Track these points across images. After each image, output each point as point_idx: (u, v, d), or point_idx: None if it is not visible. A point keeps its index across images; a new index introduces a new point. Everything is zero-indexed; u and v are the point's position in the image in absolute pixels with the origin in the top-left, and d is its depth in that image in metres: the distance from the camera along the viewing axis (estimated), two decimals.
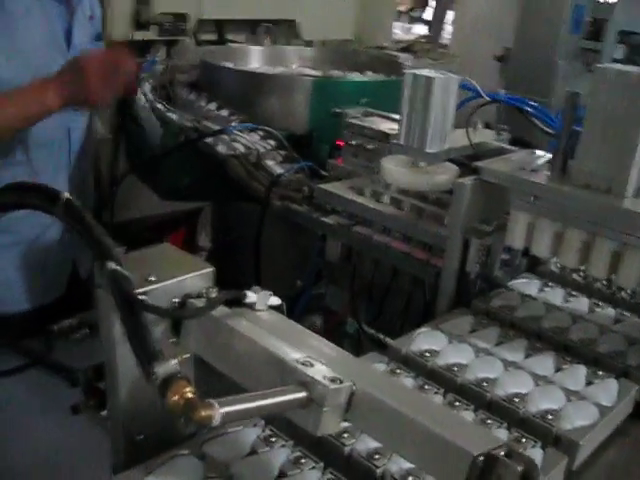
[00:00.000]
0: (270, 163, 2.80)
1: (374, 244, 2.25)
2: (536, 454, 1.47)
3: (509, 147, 2.41)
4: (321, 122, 3.03)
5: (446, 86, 2.10)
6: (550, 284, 2.19)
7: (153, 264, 1.38)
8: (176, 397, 1.02)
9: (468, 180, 1.90)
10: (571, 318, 2.00)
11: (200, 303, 1.32)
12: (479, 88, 2.18)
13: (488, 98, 2.18)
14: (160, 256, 1.45)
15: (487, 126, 2.53)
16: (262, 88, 3.12)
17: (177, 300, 1.33)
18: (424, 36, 9.91)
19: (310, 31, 6.93)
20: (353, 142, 2.63)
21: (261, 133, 2.92)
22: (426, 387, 1.65)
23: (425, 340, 1.82)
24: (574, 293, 2.16)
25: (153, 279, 1.31)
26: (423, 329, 1.87)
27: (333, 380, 1.14)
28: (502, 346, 1.84)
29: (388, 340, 1.81)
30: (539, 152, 2.10)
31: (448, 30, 10.06)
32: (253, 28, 6.53)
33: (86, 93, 2.24)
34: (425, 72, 2.11)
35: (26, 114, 2.21)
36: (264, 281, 2.78)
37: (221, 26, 6.13)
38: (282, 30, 6.93)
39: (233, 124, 3.01)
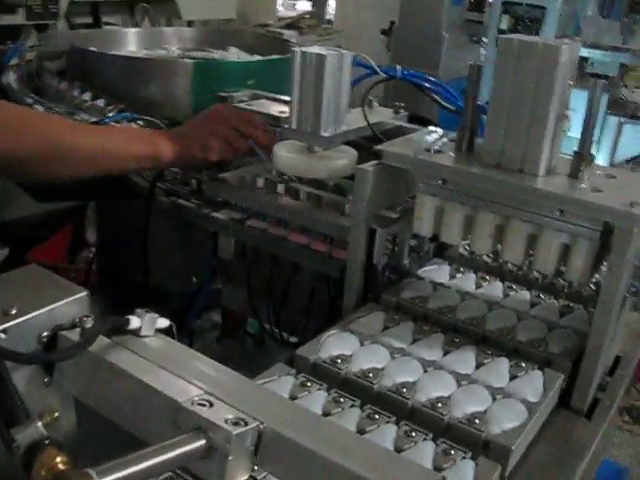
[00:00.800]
0: None
1: (270, 238, 2.07)
2: (468, 467, 1.34)
3: (408, 126, 2.27)
4: (206, 107, 2.81)
5: (339, 63, 1.94)
6: (461, 269, 2.07)
7: (16, 292, 1.17)
8: (43, 472, 0.82)
9: (370, 165, 1.74)
10: (486, 305, 1.88)
11: (74, 336, 1.12)
12: (374, 64, 2.02)
13: (384, 75, 2.03)
14: (25, 281, 1.24)
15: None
16: (139, 74, 2.88)
17: (47, 334, 1.12)
18: (308, 12, 9.75)
19: (191, 11, 6.65)
20: None
21: (141, 123, 2.68)
22: (341, 400, 1.49)
23: (335, 344, 1.67)
24: (486, 277, 2.04)
25: (15, 312, 1.10)
26: (331, 331, 1.71)
27: (236, 422, 0.96)
28: (418, 344, 1.70)
29: (297, 352, 1.64)
30: (440, 130, 1.96)
31: (332, 5, 9.93)
32: (131, 10, 6.21)
33: (208, 151, 2.09)
34: (315, 49, 1.93)
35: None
36: (158, 278, 2.58)
37: (96, 8, 5.78)
38: (162, 11, 6.63)
39: (110, 115, 2.76)
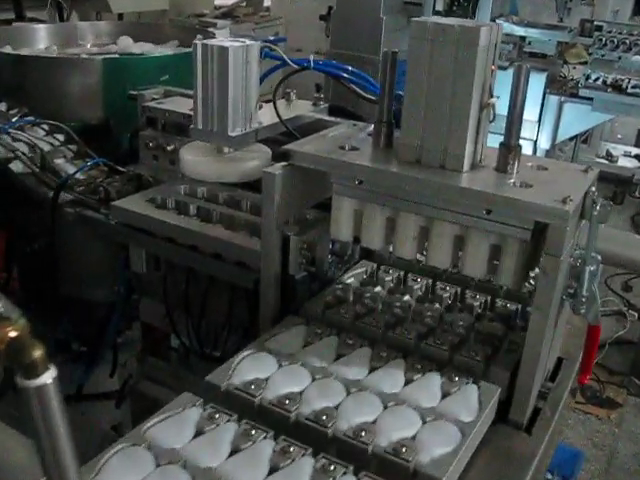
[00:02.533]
0: (59, 162, 2.38)
1: (180, 250, 1.90)
2: None
3: (329, 119, 2.11)
4: (118, 108, 2.63)
5: (244, 55, 1.77)
6: (390, 270, 1.92)
7: None
8: None
9: (277, 168, 1.58)
10: (416, 311, 1.73)
11: None
12: (284, 55, 1.86)
13: (295, 65, 1.86)
14: None
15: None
16: (44, 74, 2.67)
17: None
18: (245, 0, 9.51)
19: (120, 3, 6.37)
20: (147, 132, 2.25)
21: (46, 127, 2.48)
22: (253, 432, 1.33)
23: (250, 367, 1.51)
24: (416, 277, 1.90)
25: None
26: (246, 352, 1.55)
27: None
28: (342, 361, 1.55)
29: (206, 378, 1.47)
30: (361, 124, 1.81)
31: None
32: (59, 4, 5.92)
33: None
34: (217, 41, 1.76)
35: None
36: (83, 287, 2.40)
37: (18, 3, 5.48)
38: (91, 4, 6.35)
39: (14, 120, 2.55)
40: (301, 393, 1.44)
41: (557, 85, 4.63)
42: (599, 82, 4.45)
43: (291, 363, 1.53)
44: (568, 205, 1.35)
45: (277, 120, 1.89)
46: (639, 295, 4.74)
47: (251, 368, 1.51)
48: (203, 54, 1.75)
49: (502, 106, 1.52)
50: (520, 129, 1.49)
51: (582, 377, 1.61)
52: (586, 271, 1.47)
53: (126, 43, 3.12)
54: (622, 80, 4.32)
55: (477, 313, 1.78)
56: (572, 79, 4.71)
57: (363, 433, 1.33)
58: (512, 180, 1.47)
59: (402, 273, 1.91)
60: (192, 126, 1.85)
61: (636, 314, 4.43)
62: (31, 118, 2.52)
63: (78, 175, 2.30)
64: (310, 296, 1.77)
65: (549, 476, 3.03)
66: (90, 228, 2.14)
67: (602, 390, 4.11)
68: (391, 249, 1.62)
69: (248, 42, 1.76)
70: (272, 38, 2.36)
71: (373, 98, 1.86)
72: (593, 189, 1.46)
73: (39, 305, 2.56)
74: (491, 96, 1.51)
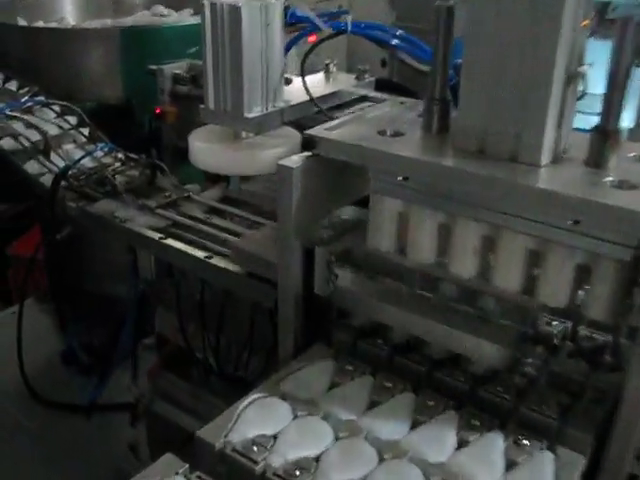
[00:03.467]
0: (68, 147, 2.06)
1: (190, 257, 1.56)
2: None
3: (375, 95, 1.74)
4: (140, 86, 2.29)
5: (263, 16, 1.41)
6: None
7: None
8: None
9: (296, 160, 1.22)
10: (476, 342, 1.35)
11: None
12: (314, 17, 1.48)
13: (328, 28, 1.49)
14: None
15: None
16: (57, 48, 2.35)
17: None
18: None
19: None
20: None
21: (57, 109, 2.16)
22: None
23: (256, 418, 1.17)
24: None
25: None
26: (254, 395, 1.21)
27: None
28: (376, 412, 1.19)
29: (197, 433, 1.14)
30: (410, 102, 1.43)
31: None
32: None
33: None
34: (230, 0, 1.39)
35: None
36: (103, 282, 2.19)
37: None
38: None
39: (25, 99, 2.24)
40: (318, 459, 1.08)
41: None
42: None
43: (310, 413, 1.17)
44: None
45: (306, 97, 1.51)
46: None
47: (257, 420, 1.16)
48: (212, 16, 1.40)
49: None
50: (621, 107, 1.09)
51: None
52: None
53: (158, 11, 2.79)
54: None
55: (552, 344, 1.38)
56: None
57: None
58: (609, 178, 1.08)
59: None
60: (202, 106, 1.50)
61: None
62: (41, 98, 2.21)
63: (88, 163, 1.98)
64: (344, 319, 1.40)
65: None
66: (95, 229, 1.81)
67: None
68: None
69: (268, 1, 1.39)
70: (335, 11, 1.99)
71: (424, 68, 1.47)
72: None
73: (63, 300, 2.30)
74: (581, 64, 1.12)
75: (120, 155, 2.02)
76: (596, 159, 1.11)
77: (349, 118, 1.33)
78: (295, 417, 1.17)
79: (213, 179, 1.86)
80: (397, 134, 1.24)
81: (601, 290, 1.10)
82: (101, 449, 2.38)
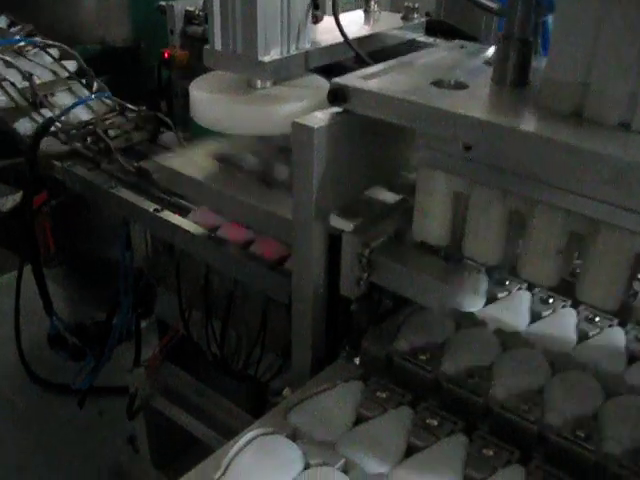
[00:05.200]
0: (63, 97, 1.76)
1: (192, 234, 1.25)
2: None
3: (426, 40, 1.41)
4: (151, 25, 1.98)
5: None
6: (508, 280, 1.21)
7: None
8: None
9: (320, 118, 0.89)
10: (547, 364, 1.04)
11: None
12: None
13: None
14: None
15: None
16: None
17: None
18: None
19: None
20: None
21: (53, 53, 1.86)
22: None
23: (252, 468, 0.87)
24: (550, 297, 1.19)
25: None
26: (254, 432, 0.90)
27: None
28: (415, 461, 0.88)
29: None
30: (473, 46, 1.10)
31: None
32: None
33: None
34: None
35: None
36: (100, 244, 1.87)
37: None
38: None
39: (17, 38, 1.94)
40: None
41: None
42: None
43: (325, 462, 0.86)
44: None
45: (340, 39, 1.18)
46: None
47: (255, 470, 0.86)
48: None
49: None
50: None
51: None
52: None
53: None
54: None
55: None
56: None
57: None
58: None
59: (524, 287, 1.20)
60: (206, 46, 1.18)
61: None
62: (37, 39, 1.90)
63: (83, 115, 1.68)
64: (378, 323, 1.09)
65: None
66: (82, 194, 1.52)
67: None
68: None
69: None
70: None
71: (494, 7, 1.11)
72: None
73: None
74: None
75: (119, 106, 1.71)
76: None
77: (393, 64, 1.00)
78: (306, 467, 0.87)
79: None
80: (458, 86, 0.91)
81: None
82: (97, 438, 2.13)
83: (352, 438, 0.91)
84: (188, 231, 1.26)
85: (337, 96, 0.91)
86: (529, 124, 0.83)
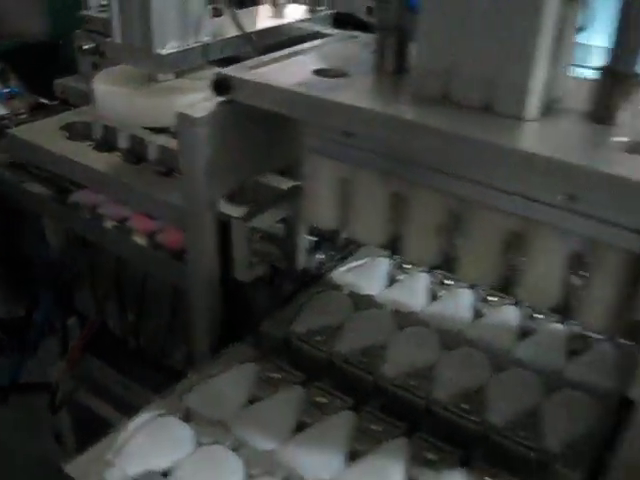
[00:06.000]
0: None
1: (101, 226, 1.27)
2: None
3: (331, 32, 1.44)
4: (70, 21, 1.97)
5: None
6: (407, 266, 1.25)
7: None
8: None
9: (204, 107, 0.92)
10: (440, 342, 1.08)
11: None
12: None
13: None
14: None
15: None
16: None
17: None
18: None
19: None
20: (88, 45, 1.60)
21: None
22: None
23: (145, 449, 0.89)
24: (448, 279, 1.23)
25: None
26: (147, 414, 0.93)
27: None
28: (303, 440, 0.91)
29: (67, 468, 0.86)
30: (365, 36, 1.14)
31: None
32: None
33: None
34: None
35: None
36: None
37: None
38: None
39: None
40: None
41: None
42: None
43: (217, 441, 0.89)
44: None
45: (238, 31, 1.21)
46: None
47: (148, 450, 0.89)
48: None
49: None
50: (637, 41, 0.80)
51: None
52: None
53: None
54: None
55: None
56: None
57: None
58: (619, 138, 0.78)
59: (426, 269, 1.25)
60: (108, 39, 1.19)
61: None
62: None
63: None
64: (277, 307, 1.12)
65: None
66: None
67: None
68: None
69: None
70: None
71: None
72: None
73: None
74: None
75: (33, 102, 1.71)
76: (601, 112, 0.82)
77: (282, 54, 1.03)
78: (199, 445, 0.89)
79: None
80: (339, 75, 0.94)
81: (601, 289, 0.82)
82: (24, 435, 2.12)
83: (243, 418, 0.94)
84: (98, 223, 1.27)
85: (220, 86, 0.94)
86: (402, 110, 0.87)
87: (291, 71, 0.96)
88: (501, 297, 1.19)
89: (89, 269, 1.48)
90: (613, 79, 0.80)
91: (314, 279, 1.21)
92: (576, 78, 0.91)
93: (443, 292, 1.21)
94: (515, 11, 0.78)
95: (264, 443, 0.90)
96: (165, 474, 0.86)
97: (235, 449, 0.89)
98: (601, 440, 0.91)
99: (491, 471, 0.88)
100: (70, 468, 0.87)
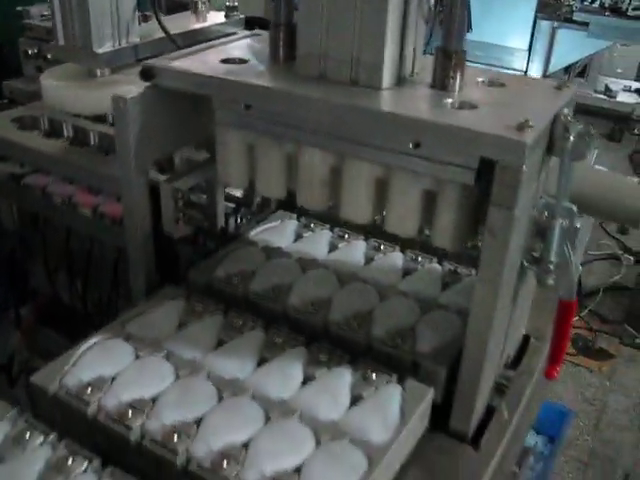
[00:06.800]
0: None
1: (52, 202, 1.48)
2: None
3: (244, 33, 1.67)
4: (11, 28, 2.16)
5: None
6: (312, 225, 1.50)
7: None
8: None
9: (132, 90, 1.15)
10: (337, 280, 1.32)
11: None
12: None
13: None
14: None
15: None
16: None
17: None
18: None
19: None
20: (32, 50, 1.81)
21: None
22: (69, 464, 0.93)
23: (95, 361, 1.11)
24: (346, 234, 1.48)
25: None
26: (96, 338, 1.15)
27: None
28: (221, 351, 1.15)
29: (31, 379, 1.07)
30: (266, 34, 1.37)
31: None
32: None
33: None
34: None
35: None
36: None
37: None
38: None
39: None
40: (154, 400, 1.03)
41: (549, 9, 4.09)
42: (596, 4, 3.94)
43: (152, 354, 1.12)
44: (526, 133, 0.92)
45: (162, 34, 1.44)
46: (636, 238, 4.32)
47: (96, 362, 1.11)
48: None
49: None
50: (464, 26, 1.05)
51: (550, 369, 1.19)
52: (555, 228, 1.04)
53: None
54: (622, 2, 3.82)
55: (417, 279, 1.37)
56: (566, 2, 4.17)
57: (225, 463, 0.93)
58: (450, 100, 1.04)
59: (327, 227, 1.50)
60: (51, 42, 1.41)
61: (632, 258, 4.04)
62: None
63: None
64: (202, 259, 1.35)
65: (531, 441, 2.68)
66: None
67: (594, 340, 3.74)
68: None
69: None
70: None
71: None
72: (566, 111, 1.03)
73: None
74: None
75: None
76: (440, 80, 1.08)
77: (195, 49, 1.27)
78: (138, 357, 1.12)
79: None
80: (241, 62, 1.18)
81: (446, 217, 1.07)
82: None
83: (174, 337, 1.17)
84: (48, 200, 1.49)
85: (147, 74, 1.17)
86: (287, 85, 1.10)
87: (203, 60, 1.19)
88: (390, 246, 1.44)
89: (41, 245, 1.69)
90: (445, 55, 1.06)
91: (233, 238, 1.44)
92: (428, 58, 1.16)
93: (342, 244, 1.46)
94: (369, 6, 1.03)
95: (191, 354, 1.13)
96: (112, 379, 1.08)
97: (167, 358, 1.12)
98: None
99: (373, 364, 1.12)
100: (35, 378, 1.08)
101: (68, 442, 0.97)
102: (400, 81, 1.09)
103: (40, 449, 0.97)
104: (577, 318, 3.76)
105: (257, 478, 0.91)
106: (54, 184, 1.53)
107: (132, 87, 1.35)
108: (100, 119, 1.60)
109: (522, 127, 0.93)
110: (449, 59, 1.06)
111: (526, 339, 1.39)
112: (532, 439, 2.83)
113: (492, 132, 0.94)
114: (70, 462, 0.94)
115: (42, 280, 1.79)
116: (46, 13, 1.97)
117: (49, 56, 1.74)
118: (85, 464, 0.95)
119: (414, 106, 1.04)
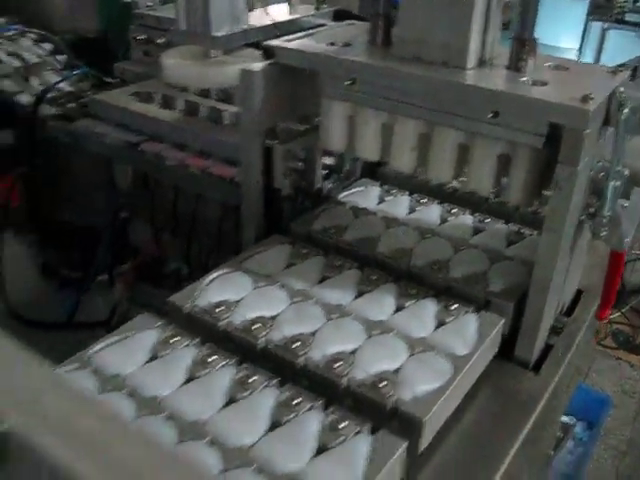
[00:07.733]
0: (47, 74, 2.20)
1: (165, 164, 1.72)
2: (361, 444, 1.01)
3: (333, 24, 1.89)
4: (116, 18, 2.43)
5: None
6: (393, 191, 1.73)
7: None
8: None
9: (258, 65, 1.38)
10: (417, 235, 1.54)
11: None
12: None
13: None
14: None
15: None
16: None
17: None
18: None
19: None
20: (141, 37, 2.06)
21: (33, 37, 2.30)
22: (211, 359, 1.16)
23: (220, 288, 1.34)
24: (423, 199, 1.70)
25: None
26: (219, 272, 1.38)
27: None
28: (326, 284, 1.37)
29: (170, 298, 1.31)
30: (361, 24, 1.60)
31: None
32: None
33: None
34: None
35: None
36: (77, 212, 2.23)
37: None
38: None
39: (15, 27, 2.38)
40: (274, 318, 1.26)
41: (601, 10, 4.27)
42: None
43: (268, 284, 1.35)
44: (588, 104, 1.14)
45: (267, 22, 1.68)
46: None
47: (222, 289, 1.34)
48: None
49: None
50: (535, 18, 1.27)
51: (602, 312, 1.41)
52: (609, 187, 1.26)
53: None
54: None
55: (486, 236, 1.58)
56: (618, 3, 4.33)
57: (338, 364, 1.15)
58: (524, 78, 1.26)
59: (407, 193, 1.72)
60: (172, 28, 1.66)
61: None
62: (15, 26, 2.34)
63: (67, 88, 2.13)
64: (302, 214, 1.58)
65: (570, 420, 2.86)
66: (75, 144, 1.96)
67: (635, 336, 3.90)
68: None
69: None
70: None
71: None
72: (622, 89, 1.24)
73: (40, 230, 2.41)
74: None
75: (98, 80, 2.16)
76: (515, 63, 1.29)
77: (303, 34, 1.49)
78: (256, 287, 1.35)
79: None
80: (346, 45, 1.41)
81: (518, 176, 1.28)
82: None
83: (285, 273, 1.40)
84: (161, 162, 1.73)
85: (268, 52, 1.40)
86: (388, 63, 1.33)
87: (312, 43, 1.42)
88: (461, 209, 1.66)
89: (149, 205, 1.93)
90: (519, 42, 1.28)
91: (325, 199, 1.67)
92: (505, 47, 1.37)
93: (419, 207, 1.68)
94: (456, 2, 1.26)
95: (301, 285, 1.36)
96: (236, 303, 1.31)
97: (281, 288, 1.35)
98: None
99: (453, 299, 1.34)
100: (173, 298, 1.32)
101: (210, 344, 1.21)
102: (482, 63, 1.31)
103: (187, 349, 1.20)
104: (619, 314, 3.93)
105: (363, 376, 1.14)
106: (167, 150, 1.77)
107: (240, 67, 1.60)
108: (204, 94, 1.84)
109: (585, 99, 1.15)
110: (523, 45, 1.27)
111: (579, 293, 1.60)
112: (572, 423, 3.00)
113: (561, 102, 1.16)
114: (211, 359, 1.17)
115: (144, 239, 2.03)
116: (150, 3, 2.22)
117: (158, 41, 1.99)
118: (225, 361, 1.17)
119: (493, 82, 1.25)
